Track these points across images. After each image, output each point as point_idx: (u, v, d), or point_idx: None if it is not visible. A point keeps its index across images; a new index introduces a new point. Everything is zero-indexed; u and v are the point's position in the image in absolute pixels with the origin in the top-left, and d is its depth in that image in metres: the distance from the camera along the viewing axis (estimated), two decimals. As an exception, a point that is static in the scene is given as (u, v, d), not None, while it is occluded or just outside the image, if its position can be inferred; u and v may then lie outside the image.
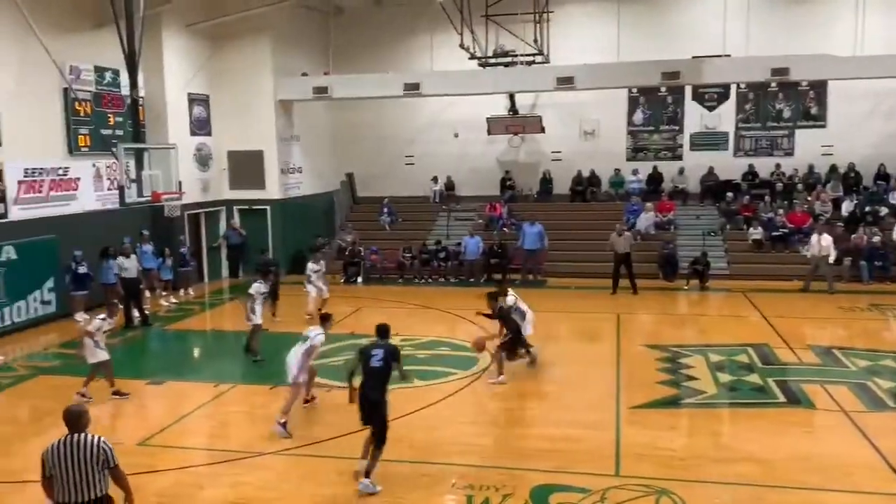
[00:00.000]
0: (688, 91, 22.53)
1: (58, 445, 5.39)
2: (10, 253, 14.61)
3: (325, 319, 10.10)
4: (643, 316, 16.30)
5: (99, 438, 5.47)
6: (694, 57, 19.69)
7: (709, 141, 22.80)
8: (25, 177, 15.19)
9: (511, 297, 12.02)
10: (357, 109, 23.84)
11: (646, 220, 20.83)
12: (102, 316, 11.04)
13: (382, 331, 8.37)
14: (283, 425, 9.21)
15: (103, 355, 10.80)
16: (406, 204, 23.78)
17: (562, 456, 8.42)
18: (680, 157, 23.00)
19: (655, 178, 22.62)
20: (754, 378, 11.26)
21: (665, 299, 17.78)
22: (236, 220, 20.98)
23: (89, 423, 5.59)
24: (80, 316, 15.59)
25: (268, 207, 21.18)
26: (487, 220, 22.22)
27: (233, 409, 10.42)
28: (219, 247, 20.91)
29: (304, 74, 21.62)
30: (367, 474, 7.61)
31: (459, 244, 20.54)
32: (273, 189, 21.20)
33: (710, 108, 22.67)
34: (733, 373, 11.54)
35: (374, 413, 7.69)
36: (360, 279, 20.40)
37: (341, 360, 12.37)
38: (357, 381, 7.96)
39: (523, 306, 12.06)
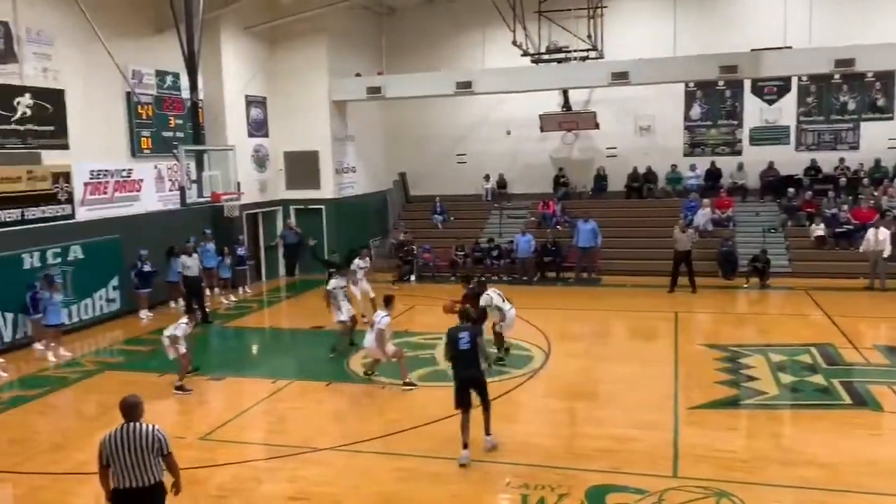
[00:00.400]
0: (747, 84, 21.97)
1: (115, 434, 5.63)
2: (77, 252, 15.15)
3: (388, 302, 11.08)
4: (701, 314, 15.98)
5: (154, 427, 5.69)
6: (753, 49, 19.18)
7: (769, 135, 22.20)
8: (91, 178, 15.72)
9: (489, 296, 11.92)
10: (409, 108, 23.98)
11: (703, 216, 20.41)
12: (185, 321, 11.50)
13: (467, 316, 9.08)
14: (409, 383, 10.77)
15: (182, 350, 11.28)
16: (458, 202, 23.81)
17: (618, 456, 8.32)
18: (739, 153, 22.44)
19: (714, 174, 22.14)
20: (818, 379, 10.94)
21: (724, 297, 17.41)
22: (292, 219, 21.34)
23: (143, 412, 5.81)
24: (144, 314, 16.10)
25: (323, 207, 21.48)
26: (540, 217, 22.08)
27: (290, 405, 10.59)
28: (276, 246, 21.30)
29: (358, 75, 21.83)
30: (488, 431, 8.58)
31: (512, 242, 20.46)
32: (328, 189, 21.49)
33: (770, 102, 22.06)
34: (796, 373, 11.23)
35: (474, 386, 8.45)
36: (413, 277, 20.52)
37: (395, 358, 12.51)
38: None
39: (505, 306, 11.96)
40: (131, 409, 5.71)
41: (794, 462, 8.09)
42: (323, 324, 14.56)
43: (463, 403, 8.32)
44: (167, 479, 5.83)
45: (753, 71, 19.21)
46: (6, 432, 9.76)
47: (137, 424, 5.66)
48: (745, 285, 18.08)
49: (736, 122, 22.47)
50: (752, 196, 21.75)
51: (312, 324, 15.00)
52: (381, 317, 10.95)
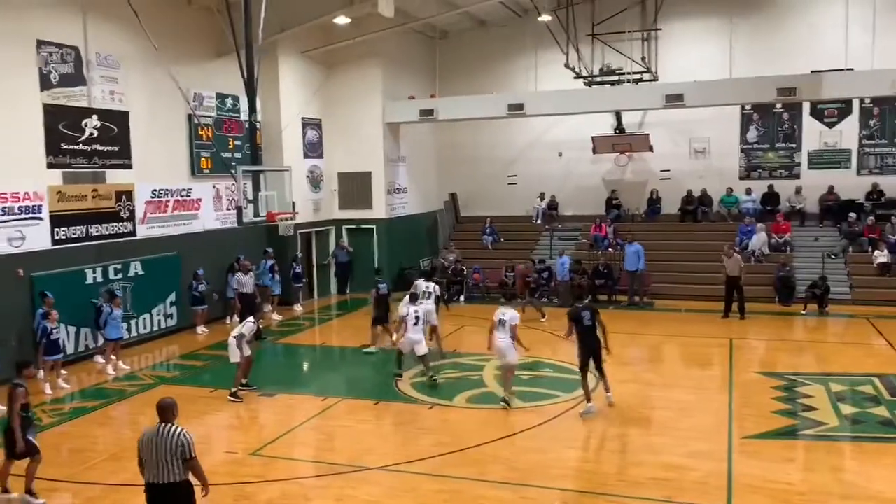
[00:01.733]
0: (805, 107, 21.52)
1: (148, 432, 6.00)
2: (137, 269, 15.61)
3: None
4: (757, 341, 15.58)
5: (181, 431, 5.96)
6: (813, 71, 18.77)
7: (829, 159, 21.65)
8: (152, 197, 16.23)
9: (406, 307, 12.46)
10: (461, 130, 24.16)
11: (759, 241, 19.96)
12: (251, 320, 12.04)
13: (580, 296, 11.63)
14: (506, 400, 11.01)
15: (246, 351, 11.73)
16: (508, 223, 23.80)
17: (670, 485, 8.14)
18: (797, 176, 21.93)
19: (771, 198, 21.66)
20: (881, 410, 10.54)
21: (781, 324, 16.95)
22: (345, 238, 21.63)
23: (177, 415, 6.11)
24: (201, 329, 16.47)
25: (374, 227, 21.72)
26: (592, 240, 21.90)
27: (339, 423, 10.66)
28: (328, 264, 21.59)
29: (411, 97, 22.12)
30: (608, 389, 10.86)
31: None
32: (380, 209, 21.73)
33: (830, 125, 21.54)
34: (857, 404, 10.84)
35: (594, 352, 10.64)
36: (462, 298, 20.54)
37: (442, 379, 12.52)
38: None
39: (408, 315, 12.18)
40: (164, 411, 6.07)
41: (856, 497, 7.80)
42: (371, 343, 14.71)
43: (584, 367, 10.64)
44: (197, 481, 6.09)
45: (813, 93, 18.78)
46: (67, 442, 10.07)
47: (168, 426, 5.97)
48: (803, 312, 17.58)
49: (794, 146, 21.99)
50: (811, 220, 21.19)
51: (362, 342, 15.11)
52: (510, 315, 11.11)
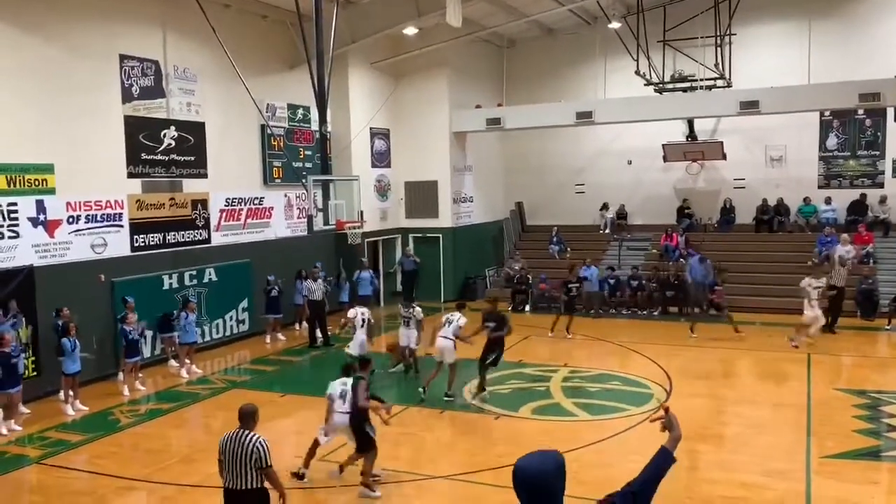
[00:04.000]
0: (889, 113, 20.55)
1: (228, 436, 6.06)
2: (211, 275, 16.07)
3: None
4: (837, 357, 14.91)
5: (257, 438, 5.97)
6: (897, 75, 17.98)
7: (916, 166, 20.64)
8: (226, 206, 16.69)
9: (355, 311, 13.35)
10: (528, 139, 24.04)
11: (846, 252, 19.10)
12: (364, 309, 13.31)
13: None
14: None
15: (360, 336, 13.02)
16: (575, 232, 23.52)
17: (744, 504, 7.87)
18: (881, 185, 20.95)
19: (858, 207, 20.71)
20: (974, 433, 9.95)
21: (863, 339, 16.21)
22: (411, 247, 21.78)
23: (257, 422, 6.16)
24: (272, 336, 16.77)
25: (440, 235, 21.79)
26: (663, 250, 21.43)
27: (403, 431, 10.68)
28: (394, 272, 21.76)
29: (478, 106, 22.14)
30: None
31: (635, 269, 20.00)
32: (446, 218, 21.80)
33: (917, 131, 20.53)
34: (948, 426, 10.27)
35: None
36: (528, 307, 20.38)
37: (508, 389, 12.43)
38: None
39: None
40: (244, 417, 6.13)
41: (945, 524, 7.37)
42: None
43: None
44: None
45: (898, 98, 17.96)
46: (143, 442, 10.42)
47: (246, 433, 6.01)
48: (888, 327, 16.77)
49: (877, 153, 21.06)
50: (896, 231, 20.23)
51: (428, 350, 15.13)
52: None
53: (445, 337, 12.06)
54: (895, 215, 20.40)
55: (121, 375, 13.21)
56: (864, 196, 20.75)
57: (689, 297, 18.03)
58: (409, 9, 18.54)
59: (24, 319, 12.19)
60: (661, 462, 3.26)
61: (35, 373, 12.38)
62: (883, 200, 20.50)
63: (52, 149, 12.87)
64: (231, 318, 16.67)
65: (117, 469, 9.33)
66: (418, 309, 13.65)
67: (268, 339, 16.74)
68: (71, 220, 13.25)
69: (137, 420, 11.46)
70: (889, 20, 20.44)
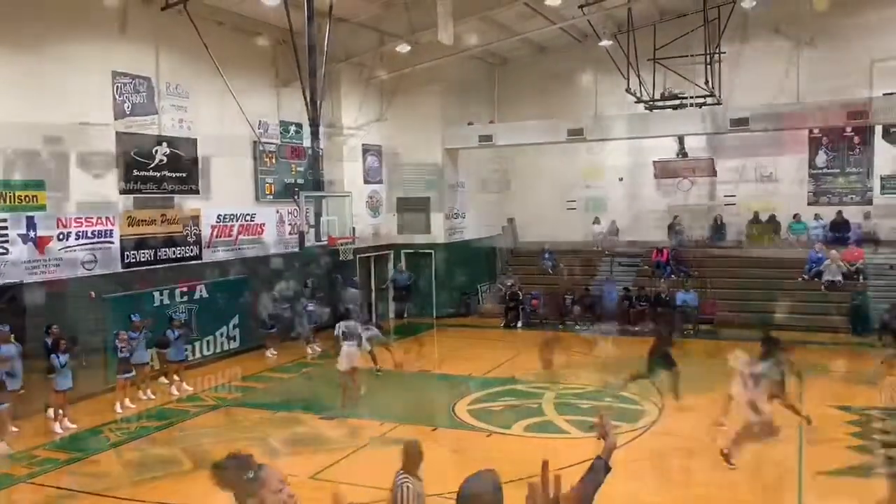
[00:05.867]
0: (878, 131, 20.76)
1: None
2: (202, 291, 15.99)
3: None
4: (830, 373, 14.94)
5: (395, 478, 6.11)
6: (885, 94, 18.16)
7: (903, 183, 20.81)
8: (218, 222, 16.65)
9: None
10: (519, 155, 24.11)
11: (831, 269, 19.24)
12: (349, 322, 13.67)
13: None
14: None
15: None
16: (567, 249, 23.54)
17: (737, 522, 7.84)
18: (869, 202, 21.13)
19: (841, 224, 20.88)
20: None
21: (855, 356, 16.24)
22: (402, 262, 21.76)
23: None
24: (270, 352, 16.71)
25: (432, 251, 21.79)
26: (654, 266, 21.48)
27: (397, 449, 10.58)
28: (386, 288, 21.72)
29: (470, 123, 22.22)
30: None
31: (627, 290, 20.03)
32: (438, 234, 21.81)
33: (905, 149, 20.72)
34: (939, 442, 10.29)
35: None
36: (520, 324, 20.37)
37: (499, 406, 12.40)
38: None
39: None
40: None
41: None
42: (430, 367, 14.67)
43: None
44: None
45: (886, 117, 18.15)
46: (132, 459, 10.29)
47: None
48: (879, 343, 16.81)
49: (865, 170, 21.22)
50: (886, 248, 20.32)
51: (420, 367, 15.10)
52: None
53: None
54: (885, 231, 20.53)
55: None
56: (839, 213, 20.87)
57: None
58: (401, 26, 18.65)
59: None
60: (596, 475, 3.18)
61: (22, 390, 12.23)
62: (867, 216, 20.63)
63: (43, 165, 12.84)
64: (222, 335, 16.57)
65: (101, 486, 9.24)
66: (375, 331, 13.88)
67: (270, 353, 16.82)
68: (61, 236, 13.19)
69: (128, 437, 11.34)
70: (877, 39, 20.66)
